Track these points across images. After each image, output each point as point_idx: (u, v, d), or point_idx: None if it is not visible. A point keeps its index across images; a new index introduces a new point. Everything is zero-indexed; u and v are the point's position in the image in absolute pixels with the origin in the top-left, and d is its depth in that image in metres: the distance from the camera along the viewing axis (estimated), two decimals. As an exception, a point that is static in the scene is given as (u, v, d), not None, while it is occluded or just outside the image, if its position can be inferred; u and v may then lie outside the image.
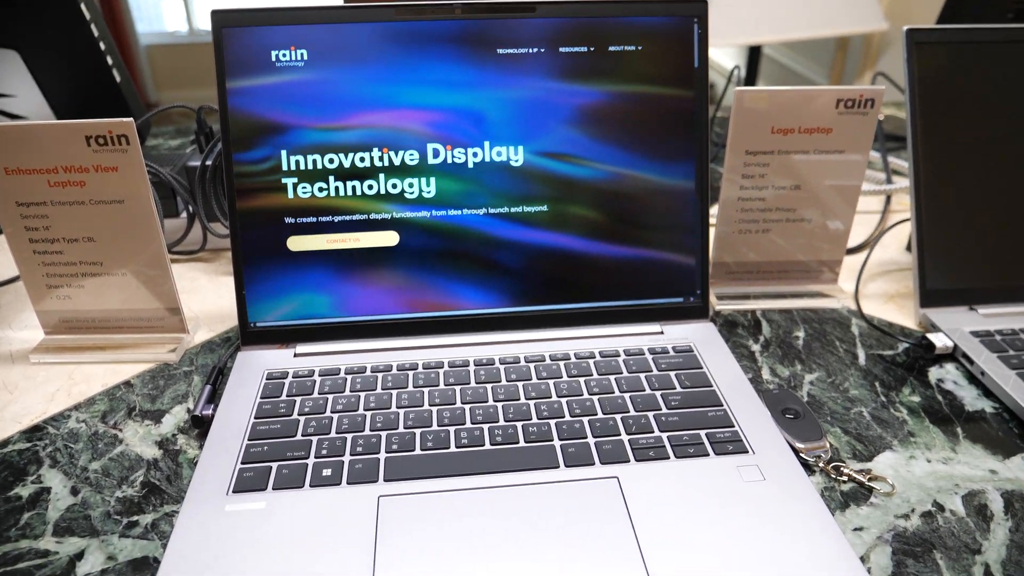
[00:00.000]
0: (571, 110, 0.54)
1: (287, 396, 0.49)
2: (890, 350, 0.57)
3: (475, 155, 0.54)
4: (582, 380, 0.51)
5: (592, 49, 0.54)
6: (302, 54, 0.52)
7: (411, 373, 0.51)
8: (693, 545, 0.38)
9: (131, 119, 0.49)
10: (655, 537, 0.39)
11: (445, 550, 0.38)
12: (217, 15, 0.51)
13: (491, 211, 0.55)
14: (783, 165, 0.58)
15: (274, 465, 0.44)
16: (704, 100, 0.55)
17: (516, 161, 0.54)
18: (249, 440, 0.45)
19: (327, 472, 0.43)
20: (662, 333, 0.56)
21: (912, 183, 0.59)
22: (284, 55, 0.52)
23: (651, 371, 0.52)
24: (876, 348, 0.58)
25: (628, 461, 0.44)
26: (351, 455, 0.44)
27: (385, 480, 0.43)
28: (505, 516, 0.40)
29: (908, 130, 0.58)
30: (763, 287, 0.63)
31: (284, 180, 0.53)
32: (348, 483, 0.42)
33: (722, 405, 0.49)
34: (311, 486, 0.42)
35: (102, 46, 0.73)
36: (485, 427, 0.46)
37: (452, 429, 0.46)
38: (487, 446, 0.45)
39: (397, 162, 0.53)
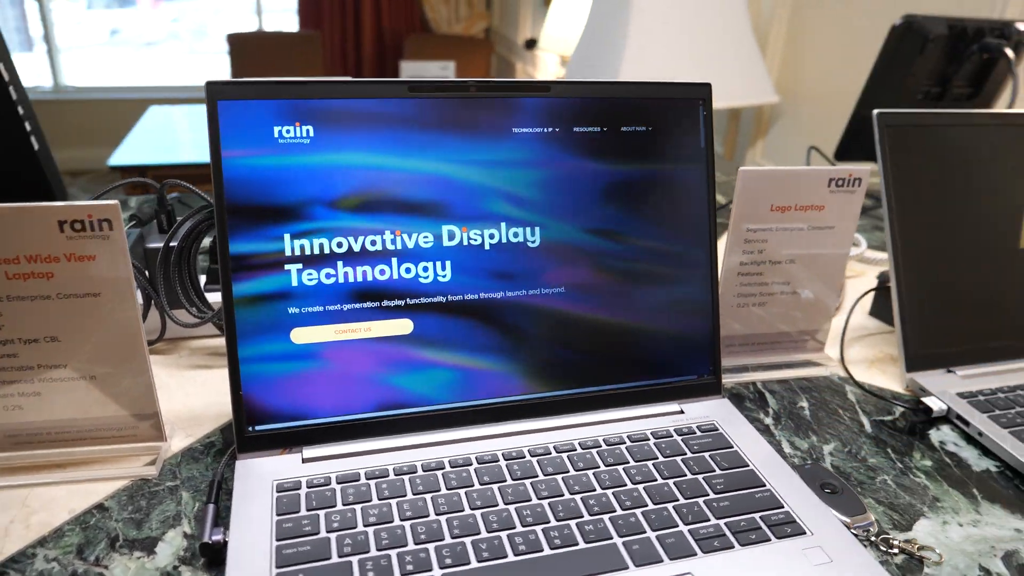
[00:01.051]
0: (585, 190, 0.55)
1: (308, 511, 0.45)
2: (888, 415, 0.61)
3: (492, 236, 0.53)
4: (620, 469, 0.50)
5: (605, 129, 0.55)
6: (307, 131, 0.50)
7: (440, 473, 0.49)
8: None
9: (116, 202, 0.45)
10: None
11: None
12: (213, 87, 0.48)
13: (509, 294, 0.54)
14: (780, 240, 0.61)
15: (318, 595, 0.40)
16: (712, 178, 0.57)
17: (533, 242, 0.54)
18: (278, 568, 0.41)
19: (382, 598, 0.40)
20: (682, 412, 0.57)
21: (891, 256, 0.64)
22: (288, 131, 0.49)
23: (685, 454, 0.52)
24: (876, 414, 0.61)
25: (696, 554, 0.44)
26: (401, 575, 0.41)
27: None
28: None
29: (884, 206, 0.64)
30: (758, 359, 0.66)
31: (287, 266, 0.50)
32: (408, 609, 0.39)
33: (765, 485, 0.50)
34: (368, 616, 0.39)
35: (20, 110, 0.66)
36: (538, 529, 0.45)
37: (504, 535, 0.44)
38: (547, 551, 0.43)
39: (411, 245, 0.52)
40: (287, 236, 0.50)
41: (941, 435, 0.59)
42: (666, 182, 0.57)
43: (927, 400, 0.61)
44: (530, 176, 0.54)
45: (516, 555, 0.43)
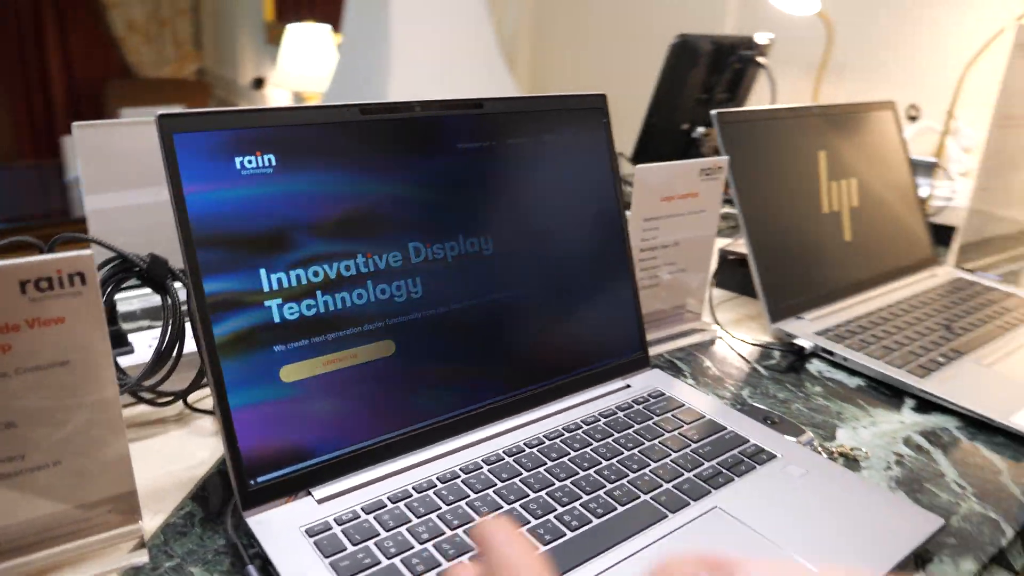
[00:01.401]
0: (522, 196, 0.59)
1: (355, 545, 0.44)
2: (771, 359, 0.74)
3: (452, 249, 0.56)
4: (611, 441, 0.55)
5: (530, 139, 0.60)
6: (269, 159, 0.48)
7: (459, 481, 0.50)
8: (813, 531, 0.46)
9: (90, 252, 0.40)
10: (786, 534, 0.46)
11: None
12: (165, 120, 0.45)
13: (473, 302, 0.56)
14: (668, 226, 0.71)
15: (416, 616, 0.39)
16: (619, 176, 0.65)
17: (487, 251, 0.57)
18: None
19: (481, 599, 0.40)
20: (630, 386, 0.63)
21: (744, 230, 0.77)
22: (250, 162, 0.48)
23: (653, 417, 0.59)
24: (763, 361, 0.73)
25: (710, 492, 0.50)
26: (486, 575, 0.42)
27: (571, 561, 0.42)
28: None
29: (733, 189, 0.77)
30: (657, 333, 0.75)
31: (267, 303, 0.48)
32: (510, 601, 0.41)
33: (727, 428, 0.58)
34: (476, 619, 0.39)
35: None
36: (577, 505, 0.48)
37: (552, 517, 0.47)
38: (596, 521, 0.47)
39: (382, 266, 0.52)
40: (263, 271, 0.48)
41: (815, 367, 0.73)
42: (583, 182, 0.63)
43: (797, 342, 0.74)
44: (475, 188, 0.57)
45: (572, 531, 0.46)
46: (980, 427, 0.62)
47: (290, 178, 0.49)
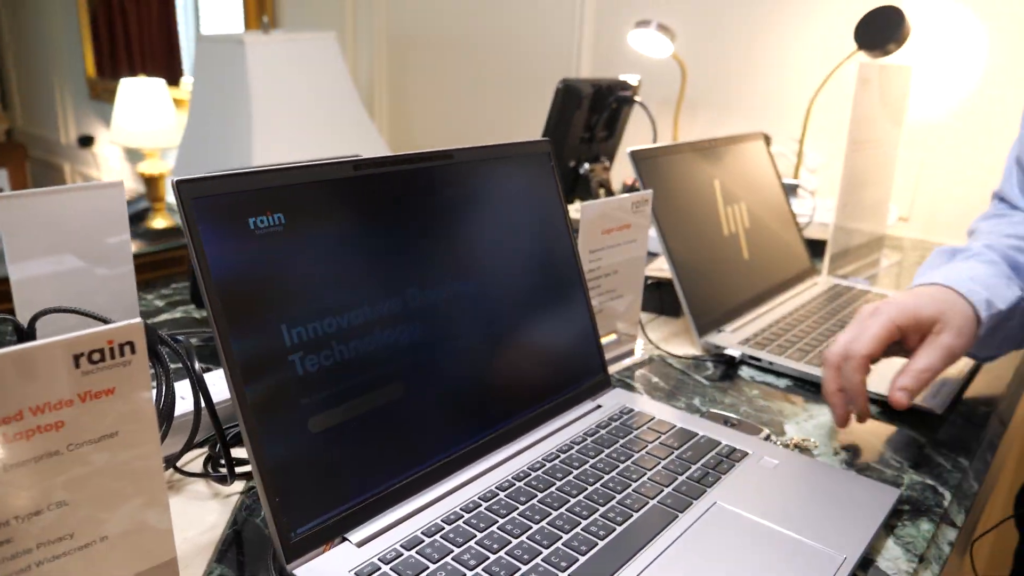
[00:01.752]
0: (496, 238, 0.64)
1: (413, 580, 0.46)
2: (707, 370, 0.82)
3: (442, 292, 0.59)
4: (604, 456, 0.61)
5: (495, 183, 0.65)
6: (279, 218, 0.50)
7: (483, 509, 0.53)
8: (803, 511, 0.54)
9: (140, 321, 0.41)
10: (782, 517, 0.53)
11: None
12: (184, 186, 0.46)
13: (465, 342, 0.60)
14: (609, 256, 0.78)
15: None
16: (567, 214, 0.71)
17: (471, 291, 0.62)
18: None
19: (547, 610, 0.44)
20: (601, 406, 0.69)
21: (667, 256, 0.86)
22: (262, 221, 0.50)
23: (633, 432, 0.65)
24: (700, 372, 0.82)
25: (706, 490, 0.57)
26: (542, 589, 0.46)
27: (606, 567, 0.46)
28: (699, 551, 0.49)
29: (654, 221, 0.85)
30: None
31: (291, 358, 0.49)
32: (572, 608, 0.45)
33: (699, 433, 0.65)
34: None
35: None
36: (598, 517, 0.53)
37: (579, 530, 0.52)
38: (619, 529, 0.52)
39: (385, 312, 0.55)
40: (284, 327, 0.49)
41: (746, 372, 0.82)
42: (541, 220, 0.69)
43: (727, 352, 0.83)
44: (455, 232, 0.61)
45: (602, 540, 0.51)
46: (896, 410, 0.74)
47: (298, 235, 0.51)
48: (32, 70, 4.07)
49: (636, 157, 0.86)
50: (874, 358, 0.65)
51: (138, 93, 2.99)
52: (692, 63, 1.74)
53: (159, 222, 2.95)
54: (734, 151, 1.05)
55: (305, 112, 2.14)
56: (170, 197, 3.32)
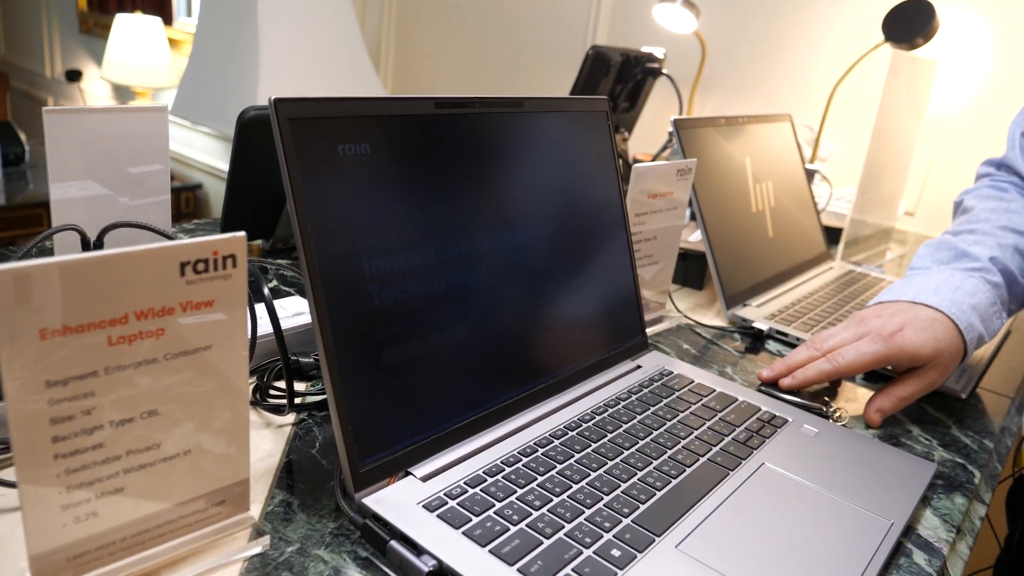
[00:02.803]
0: (558, 191, 0.64)
1: (477, 516, 0.47)
2: (734, 341, 0.84)
3: (507, 240, 0.59)
4: (651, 412, 0.62)
5: (561, 137, 0.65)
6: (366, 148, 0.50)
7: (540, 454, 0.54)
8: (846, 478, 0.56)
9: (243, 234, 0.40)
10: (829, 482, 0.55)
11: (761, 544, 0.47)
12: (282, 104, 0.46)
13: (528, 290, 0.60)
14: (653, 220, 0.79)
15: (568, 571, 0.43)
16: (620, 173, 0.72)
17: (532, 242, 0.62)
18: (515, 564, 0.43)
19: (616, 552, 0.45)
20: (640, 367, 0.70)
21: (703, 226, 0.87)
22: (350, 149, 0.49)
23: (675, 392, 0.66)
24: (728, 342, 0.83)
25: (752, 452, 0.58)
26: (611, 534, 0.47)
27: (659, 534, 0.47)
28: (753, 508, 0.50)
29: (694, 195, 0.86)
30: (638, 320, 0.82)
31: (369, 288, 0.49)
32: (640, 551, 0.46)
33: (739, 399, 0.66)
34: (620, 568, 0.44)
35: None
36: (652, 468, 0.54)
37: (636, 479, 0.52)
38: (675, 481, 0.53)
39: (456, 254, 0.55)
40: (364, 258, 0.49)
41: (772, 346, 0.84)
42: (596, 178, 0.69)
43: (755, 325, 0.84)
44: (523, 182, 0.61)
45: (659, 491, 0.52)
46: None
47: (381, 167, 0.51)
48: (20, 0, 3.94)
49: (678, 125, 0.87)
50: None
51: (133, 30, 2.91)
52: (712, 41, 1.74)
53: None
54: (764, 130, 1.06)
55: (311, 58, 2.11)
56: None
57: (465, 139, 0.57)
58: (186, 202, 3.03)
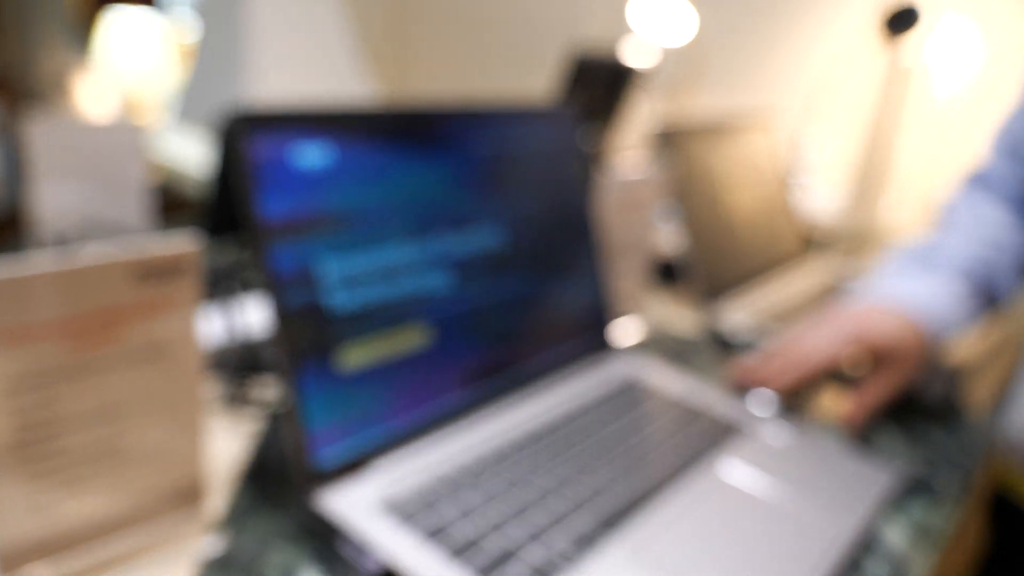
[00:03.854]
0: (524, 193, 0.66)
1: (429, 515, 0.48)
2: (708, 344, 0.85)
3: (471, 243, 0.61)
4: (607, 418, 0.63)
5: (527, 139, 0.67)
6: (323, 153, 0.52)
7: (497, 457, 0.56)
8: (809, 485, 0.57)
9: (194, 241, 0.42)
10: (785, 488, 0.56)
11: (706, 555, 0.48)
12: (239, 117, 0.47)
13: (489, 291, 0.62)
14: (625, 224, 0.80)
15: (515, 567, 0.45)
16: (587, 173, 0.73)
17: (497, 243, 0.63)
18: (464, 562, 0.45)
19: (556, 559, 0.47)
20: (607, 371, 0.72)
21: (682, 231, 0.88)
22: (308, 153, 0.51)
23: (637, 397, 0.67)
24: (699, 348, 0.85)
25: (708, 458, 0.59)
26: (553, 539, 0.48)
27: (601, 541, 0.49)
28: (702, 515, 0.52)
29: (670, 199, 0.88)
30: (609, 322, 0.84)
31: (328, 289, 0.51)
32: (580, 555, 0.47)
33: (703, 403, 0.68)
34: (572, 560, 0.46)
35: None
36: (604, 474, 0.56)
37: (587, 486, 0.53)
38: (627, 486, 0.55)
39: (418, 257, 0.57)
40: (325, 258, 0.51)
41: (743, 349, 0.85)
42: (565, 181, 0.71)
43: (728, 328, 0.86)
44: (486, 185, 0.63)
45: (605, 497, 0.53)
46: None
47: (341, 170, 0.52)
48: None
49: (658, 133, 0.88)
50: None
51: (122, 22, 2.92)
52: (703, 36, 1.75)
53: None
54: (744, 131, 1.07)
55: (306, 56, 2.13)
56: (158, 151, 3.26)
57: (431, 141, 0.58)
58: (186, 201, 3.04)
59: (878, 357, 0.70)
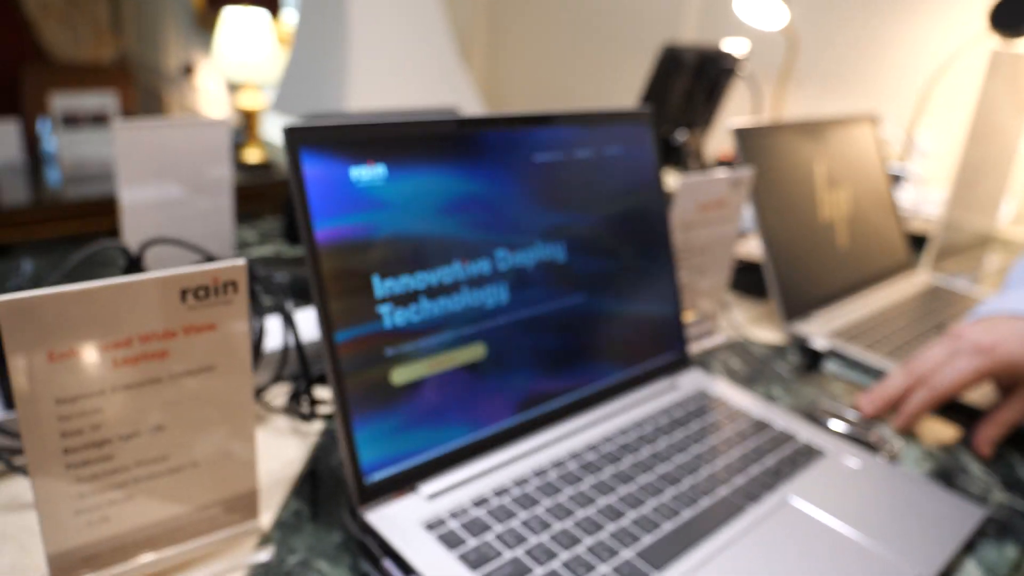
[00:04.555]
0: (588, 206, 0.64)
1: (475, 537, 0.47)
2: (792, 358, 0.80)
3: (532, 256, 0.59)
4: (675, 438, 0.60)
5: (594, 152, 0.65)
6: (381, 169, 0.51)
7: (552, 476, 0.54)
8: (883, 521, 0.53)
9: (244, 262, 0.42)
10: (856, 522, 0.52)
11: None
12: (292, 133, 0.47)
13: (549, 307, 0.60)
14: (703, 231, 0.77)
15: (554, 602, 0.43)
16: (663, 185, 0.70)
17: (560, 258, 0.61)
18: (502, 591, 0.44)
19: (608, 586, 0.45)
20: (677, 387, 0.69)
21: (761, 236, 0.84)
22: (364, 172, 0.50)
23: (707, 416, 0.64)
24: (782, 360, 0.80)
25: (777, 486, 0.56)
26: (607, 565, 0.46)
27: (658, 569, 0.46)
28: (766, 546, 0.49)
29: (750, 198, 0.83)
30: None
31: (379, 309, 0.50)
32: (634, 586, 0.45)
33: (778, 424, 0.64)
34: (609, 603, 0.44)
35: None
36: (664, 499, 0.53)
37: (645, 510, 0.52)
38: (691, 511, 0.52)
39: (475, 272, 0.56)
40: (376, 278, 0.50)
41: (831, 365, 0.80)
42: (637, 191, 0.68)
43: (813, 342, 0.81)
44: (549, 198, 0.61)
45: (669, 521, 0.51)
46: (989, 422, 0.71)
47: (396, 187, 0.52)
48: (144, -5, 4.21)
49: (739, 133, 0.84)
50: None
51: (240, 23, 3.05)
52: (803, 34, 1.66)
53: (252, 155, 3.04)
54: (840, 133, 1.01)
55: (402, 55, 2.15)
56: (265, 133, 3.41)
57: (490, 157, 0.57)
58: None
59: (1011, 378, 0.64)
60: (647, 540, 0.49)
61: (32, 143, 2.76)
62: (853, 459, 0.60)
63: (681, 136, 1.33)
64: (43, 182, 2.59)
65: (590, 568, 0.46)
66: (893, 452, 0.64)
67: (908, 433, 0.66)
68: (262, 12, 3.15)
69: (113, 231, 0.82)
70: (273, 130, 3.41)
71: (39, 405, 0.38)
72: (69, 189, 2.51)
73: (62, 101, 2.62)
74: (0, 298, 0.35)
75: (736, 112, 1.76)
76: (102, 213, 2.53)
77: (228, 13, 3.07)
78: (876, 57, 1.61)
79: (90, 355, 0.39)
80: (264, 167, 3.00)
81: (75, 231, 2.47)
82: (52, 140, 2.71)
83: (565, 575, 0.45)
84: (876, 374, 0.78)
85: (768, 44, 1.71)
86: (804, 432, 0.63)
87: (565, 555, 0.47)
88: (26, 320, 0.36)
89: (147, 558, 0.44)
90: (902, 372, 0.67)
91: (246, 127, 3.10)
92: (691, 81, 1.28)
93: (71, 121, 2.67)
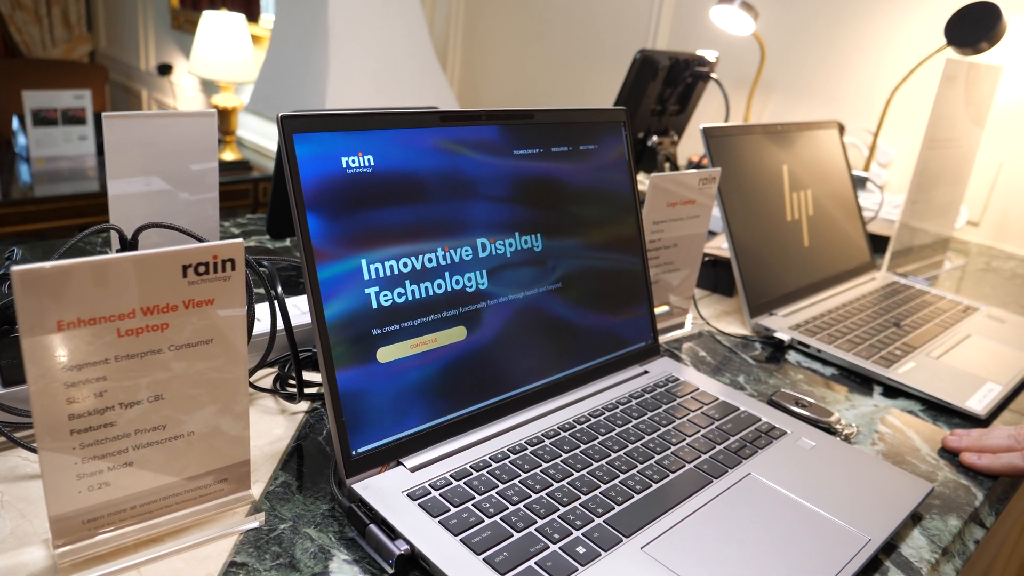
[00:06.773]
0: (563, 199, 0.67)
1: (456, 507, 0.50)
2: (754, 350, 0.84)
3: (510, 245, 0.63)
4: (647, 418, 0.64)
5: (570, 148, 0.68)
6: (369, 160, 0.54)
7: (528, 453, 0.57)
8: (832, 493, 0.57)
9: (241, 240, 0.45)
10: (813, 495, 0.56)
11: (729, 552, 0.49)
12: (287, 121, 0.50)
13: (528, 293, 0.64)
14: (670, 229, 0.80)
15: (531, 563, 0.46)
16: (635, 180, 0.74)
17: (537, 248, 0.65)
18: (483, 554, 0.46)
19: (581, 550, 0.48)
20: (648, 372, 0.72)
21: (728, 235, 0.88)
22: (353, 161, 0.53)
23: (675, 400, 0.68)
24: (747, 351, 0.84)
25: (740, 462, 0.60)
26: (580, 532, 0.49)
27: (627, 535, 0.50)
28: (729, 515, 0.52)
29: (718, 198, 0.87)
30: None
31: (367, 290, 0.53)
32: (605, 550, 0.48)
33: (741, 408, 0.68)
34: (581, 565, 0.47)
35: None
36: (636, 472, 0.56)
37: (616, 482, 0.55)
38: (655, 486, 0.55)
39: (456, 259, 0.59)
40: (364, 261, 0.53)
41: (792, 357, 0.84)
42: (610, 186, 0.71)
43: (776, 335, 0.85)
44: (528, 190, 0.64)
45: (637, 493, 0.54)
46: (940, 410, 0.75)
47: (384, 177, 0.55)
48: (118, -6, 4.19)
49: (708, 134, 0.88)
50: None
51: (219, 26, 3.05)
52: (772, 43, 1.71)
53: (227, 155, 3.04)
54: (806, 137, 1.05)
55: (380, 56, 2.18)
56: (240, 131, 3.41)
57: (471, 151, 0.60)
58: (263, 191, 3.17)
59: None
60: (618, 508, 0.52)
61: (3, 140, 2.73)
62: (811, 439, 0.64)
63: (654, 139, 1.37)
64: (14, 179, 2.57)
65: (567, 534, 0.49)
66: (850, 433, 0.68)
67: (985, 475, 0.66)
68: (238, 16, 3.16)
69: (83, 229, 0.84)
70: (247, 130, 3.41)
71: (47, 371, 0.40)
72: (38, 188, 2.50)
73: (33, 98, 2.60)
74: (15, 268, 0.37)
75: (710, 118, 1.81)
76: (73, 212, 2.52)
77: (208, 16, 3.08)
78: (843, 66, 1.67)
79: (96, 325, 0.41)
80: (240, 165, 3.00)
81: (44, 228, 2.45)
82: (22, 137, 2.69)
83: (541, 539, 0.48)
84: (833, 365, 0.82)
85: (739, 53, 1.77)
86: (767, 415, 0.67)
87: (541, 522, 0.50)
88: (40, 290, 0.39)
89: (145, 523, 0.46)
90: (1010, 434, 0.67)
91: (222, 127, 3.10)
92: (663, 85, 1.32)
93: (42, 119, 2.66)
